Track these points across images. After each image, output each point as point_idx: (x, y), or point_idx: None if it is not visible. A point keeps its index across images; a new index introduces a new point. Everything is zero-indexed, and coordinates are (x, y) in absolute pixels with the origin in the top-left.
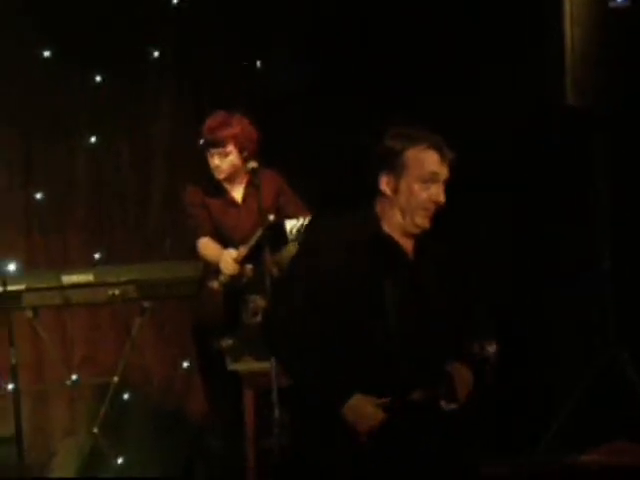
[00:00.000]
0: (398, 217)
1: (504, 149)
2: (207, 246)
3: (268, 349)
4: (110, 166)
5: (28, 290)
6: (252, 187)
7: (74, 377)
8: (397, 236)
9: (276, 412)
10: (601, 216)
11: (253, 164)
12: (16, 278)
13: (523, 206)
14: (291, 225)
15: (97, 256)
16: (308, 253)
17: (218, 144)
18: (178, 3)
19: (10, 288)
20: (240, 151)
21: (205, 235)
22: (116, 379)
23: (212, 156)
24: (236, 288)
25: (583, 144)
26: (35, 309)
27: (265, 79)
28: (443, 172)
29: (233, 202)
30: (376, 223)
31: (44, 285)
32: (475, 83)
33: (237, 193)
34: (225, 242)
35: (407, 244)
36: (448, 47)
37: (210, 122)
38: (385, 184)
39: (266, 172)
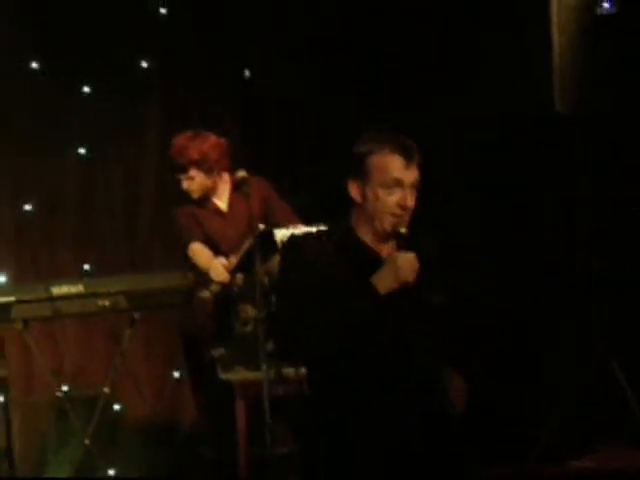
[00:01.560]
0: (370, 224)
1: (494, 153)
2: (199, 252)
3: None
4: (99, 178)
5: (18, 302)
6: (237, 195)
7: (65, 388)
8: (373, 243)
9: (268, 421)
10: (585, 220)
11: (242, 173)
12: (5, 290)
13: (509, 209)
14: (281, 234)
15: (86, 267)
16: (289, 270)
17: (181, 170)
18: (166, 15)
19: None
20: (206, 172)
21: (196, 240)
22: (107, 390)
23: (181, 181)
24: (227, 297)
25: (570, 150)
26: (25, 321)
27: (253, 89)
28: (408, 177)
29: (219, 211)
30: (351, 232)
31: (34, 297)
32: (464, 90)
33: (222, 202)
34: (213, 251)
35: (385, 249)
36: (437, 53)
37: (172, 148)
38: (354, 191)
39: (254, 180)
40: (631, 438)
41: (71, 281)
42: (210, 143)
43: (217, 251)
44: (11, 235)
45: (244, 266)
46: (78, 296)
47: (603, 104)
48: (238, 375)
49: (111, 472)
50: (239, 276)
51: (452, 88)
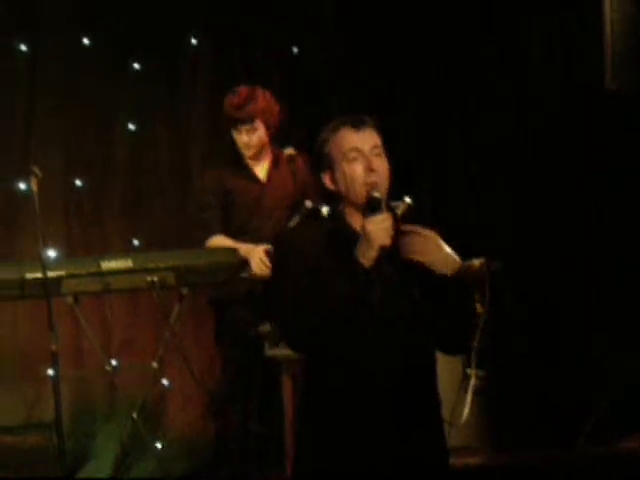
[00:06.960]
0: (352, 206)
1: (547, 133)
2: (221, 245)
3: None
4: (149, 153)
5: (68, 276)
6: (276, 167)
7: (113, 363)
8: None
9: None
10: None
11: (290, 151)
12: (56, 265)
13: (566, 190)
14: (327, 210)
15: (136, 242)
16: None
17: (246, 120)
18: None
19: (50, 275)
20: (267, 127)
21: (216, 233)
22: (155, 365)
23: (240, 133)
24: None
25: (623, 127)
26: (75, 295)
27: (301, 64)
28: (364, 142)
29: (257, 180)
30: (339, 218)
31: (84, 271)
32: (519, 70)
33: (261, 172)
34: (248, 221)
35: None
36: (486, 31)
37: (235, 99)
38: (327, 182)
39: (300, 157)
40: None
41: (120, 256)
42: (270, 96)
43: (254, 218)
44: (62, 210)
45: None
46: (127, 271)
47: None
48: (284, 351)
49: (158, 446)
50: None
51: (500, 73)
